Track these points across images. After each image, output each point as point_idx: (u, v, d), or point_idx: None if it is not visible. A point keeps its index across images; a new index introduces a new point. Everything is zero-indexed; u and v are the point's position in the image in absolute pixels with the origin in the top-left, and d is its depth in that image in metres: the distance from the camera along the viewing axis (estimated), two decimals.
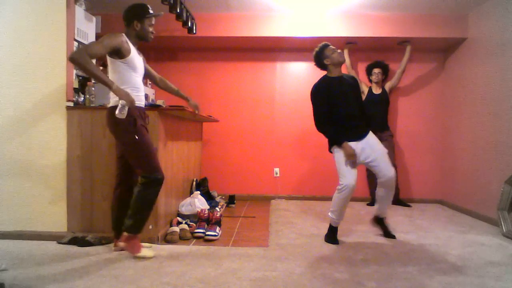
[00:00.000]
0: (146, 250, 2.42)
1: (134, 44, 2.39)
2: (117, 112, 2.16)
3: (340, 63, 2.84)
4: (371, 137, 2.83)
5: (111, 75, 2.32)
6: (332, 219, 2.83)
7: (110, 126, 2.34)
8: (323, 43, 2.88)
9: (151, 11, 2.39)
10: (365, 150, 2.78)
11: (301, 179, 4.69)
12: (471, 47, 3.99)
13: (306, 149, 4.68)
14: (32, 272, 2.11)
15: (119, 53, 2.27)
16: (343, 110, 2.79)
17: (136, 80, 2.39)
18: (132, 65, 2.33)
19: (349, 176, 2.70)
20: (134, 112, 2.29)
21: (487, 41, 3.68)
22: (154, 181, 2.33)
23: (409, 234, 3.05)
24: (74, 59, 2.06)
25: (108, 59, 2.31)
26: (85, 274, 2.09)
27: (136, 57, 2.38)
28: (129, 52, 2.30)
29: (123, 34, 2.33)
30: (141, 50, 2.54)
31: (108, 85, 2.16)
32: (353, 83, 2.90)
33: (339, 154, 2.77)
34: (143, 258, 2.36)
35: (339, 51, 2.85)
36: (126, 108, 2.18)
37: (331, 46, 2.84)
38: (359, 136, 2.80)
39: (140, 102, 2.40)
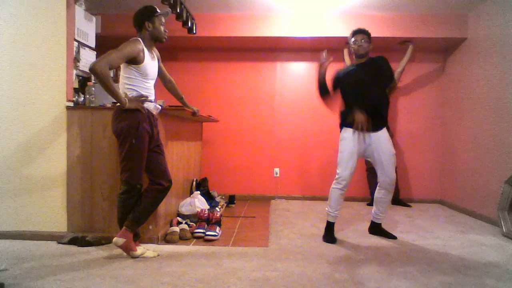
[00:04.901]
0: (143, 249, 2.42)
1: (148, 48, 2.39)
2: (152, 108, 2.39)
3: (357, 55, 2.79)
4: (383, 134, 2.77)
5: (122, 79, 2.34)
6: (328, 213, 2.83)
7: (114, 125, 2.33)
8: (362, 29, 2.78)
9: (158, 10, 2.40)
10: (372, 145, 2.74)
11: (301, 179, 4.68)
12: (471, 47, 3.99)
13: (306, 149, 4.68)
14: (32, 272, 2.11)
15: (134, 61, 2.28)
16: (356, 99, 2.72)
17: (146, 85, 2.40)
18: (144, 71, 2.34)
19: (346, 169, 2.71)
20: (140, 116, 2.29)
21: (487, 41, 3.68)
22: (134, 189, 2.34)
23: (409, 234, 3.05)
24: (97, 72, 2.05)
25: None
26: (85, 274, 2.09)
27: (149, 64, 2.37)
28: (143, 60, 2.31)
29: (141, 41, 2.32)
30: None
31: (122, 103, 2.19)
32: (375, 70, 2.75)
33: (343, 143, 2.76)
34: (144, 258, 2.36)
35: (363, 44, 2.72)
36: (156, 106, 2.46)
37: (360, 37, 2.72)
38: (372, 129, 2.72)
39: (149, 105, 2.38)
